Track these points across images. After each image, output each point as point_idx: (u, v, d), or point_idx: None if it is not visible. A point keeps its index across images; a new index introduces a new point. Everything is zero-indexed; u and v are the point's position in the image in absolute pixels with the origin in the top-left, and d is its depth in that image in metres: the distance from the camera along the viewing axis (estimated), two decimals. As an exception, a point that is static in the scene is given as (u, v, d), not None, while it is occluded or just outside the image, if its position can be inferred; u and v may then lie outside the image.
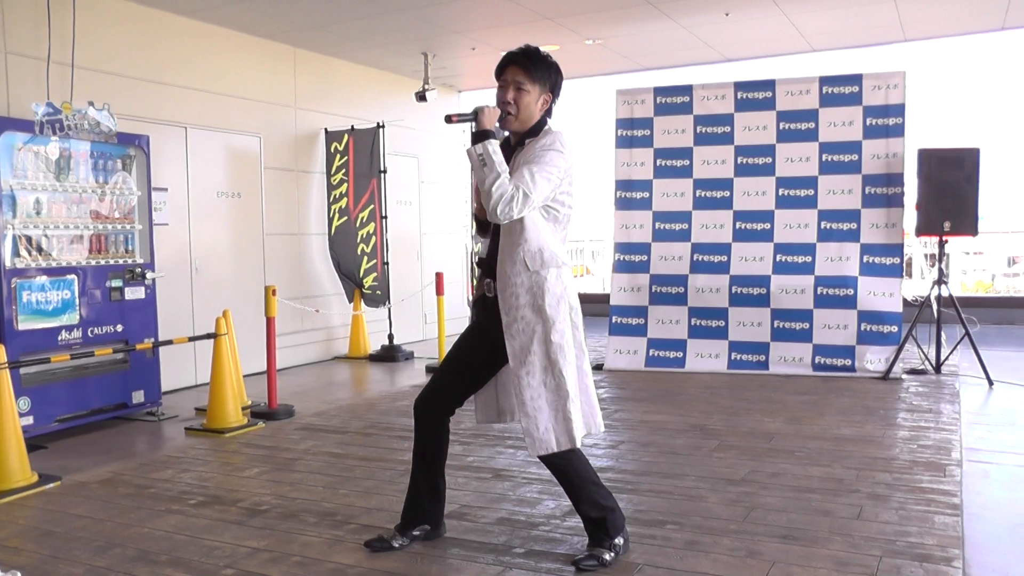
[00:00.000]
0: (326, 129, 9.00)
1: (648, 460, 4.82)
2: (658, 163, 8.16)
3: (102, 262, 5.88)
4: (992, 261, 17.59)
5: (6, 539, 3.76)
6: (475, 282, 3.36)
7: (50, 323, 5.54)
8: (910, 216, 7.44)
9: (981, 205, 7.15)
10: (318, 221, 9.02)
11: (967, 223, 7.13)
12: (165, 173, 7.08)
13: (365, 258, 9.00)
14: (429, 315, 10.27)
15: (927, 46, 9.44)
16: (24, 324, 5.38)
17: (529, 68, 3.18)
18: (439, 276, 8.61)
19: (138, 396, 6.10)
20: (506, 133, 3.30)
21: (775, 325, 7.61)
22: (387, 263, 9.06)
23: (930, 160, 7.20)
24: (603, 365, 7.89)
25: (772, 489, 4.19)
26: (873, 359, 7.29)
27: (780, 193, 7.78)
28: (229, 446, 5.43)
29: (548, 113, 3.29)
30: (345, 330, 9.28)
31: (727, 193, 7.93)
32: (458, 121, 3.17)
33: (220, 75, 7.78)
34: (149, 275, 6.18)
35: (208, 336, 5.95)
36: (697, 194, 8.03)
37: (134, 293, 6.07)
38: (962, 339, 7.10)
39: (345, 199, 8.97)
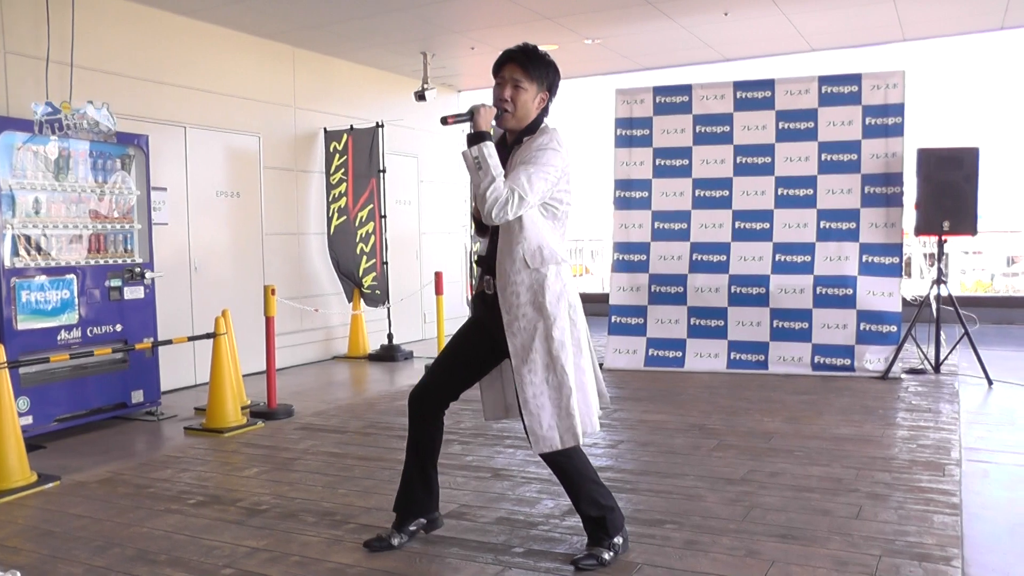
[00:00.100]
0: (325, 129, 9.00)
1: (647, 460, 4.82)
2: (657, 162, 8.17)
3: (101, 262, 5.88)
4: (991, 261, 17.61)
5: (5, 539, 3.76)
6: (475, 280, 3.36)
7: (49, 323, 5.54)
8: (909, 216, 7.44)
9: (980, 205, 7.16)
10: (317, 221, 9.02)
11: (966, 223, 7.14)
12: (164, 173, 7.08)
13: (364, 257, 8.99)
14: (428, 314, 10.27)
15: (926, 46, 9.45)
16: (23, 324, 5.38)
17: (527, 66, 3.18)
18: (438, 276, 8.61)
19: (137, 396, 6.09)
20: (501, 131, 3.30)
21: (774, 325, 7.61)
22: (386, 263, 9.06)
23: (929, 160, 7.20)
24: (603, 364, 7.89)
25: (771, 489, 4.19)
26: (872, 359, 7.29)
27: (779, 193, 7.79)
28: (228, 446, 5.43)
29: (545, 111, 3.29)
30: (344, 330, 9.28)
31: (726, 193, 7.93)
32: (454, 122, 3.16)
33: (219, 75, 7.78)
34: (148, 275, 6.18)
35: (207, 336, 5.95)
36: (696, 194, 8.03)
37: (133, 293, 6.07)
38: (961, 339, 7.11)
39: (344, 199, 8.96)
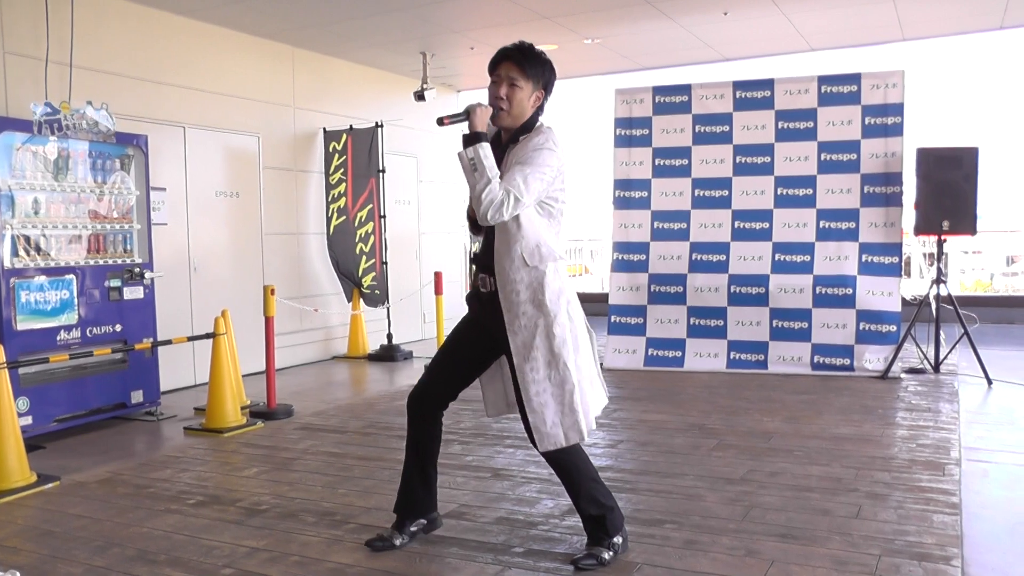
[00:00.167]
0: (324, 129, 9.00)
1: (647, 459, 4.82)
2: (657, 162, 8.16)
3: (100, 262, 5.88)
4: (991, 260, 17.60)
5: (5, 539, 3.76)
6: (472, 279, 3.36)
7: (49, 323, 5.54)
8: (909, 215, 7.44)
9: (980, 204, 7.15)
10: (316, 221, 9.01)
11: (966, 222, 7.14)
12: (163, 173, 7.08)
13: (364, 257, 8.99)
14: (428, 314, 10.27)
15: (926, 45, 9.45)
16: (23, 324, 5.38)
17: (523, 64, 3.18)
18: (438, 275, 8.62)
19: (137, 396, 6.09)
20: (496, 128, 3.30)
21: (774, 324, 7.61)
22: (386, 262, 9.06)
23: (929, 159, 7.20)
24: (602, 364, 7.87)
25: (771, 488, 4.19)
26: (872, 358, 7.29)
27: (779, 192, 7.79)
28: (228, 446, 5.43)
29: (540, 110, 3.29)
30: (344, 330, 9.27)
31: (726, 192, 7.93)
32: (450, 123, 3.16)
33: (219, 75, 7.78)
34: (148, 275, 6.18)
35: (207, 336, 5.95)
36: (696, 193, 8.03)
37: (133, 293, 6.07)
38: (961, 338, 7.11)
39: (344, 199, 8.96)
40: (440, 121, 3.18)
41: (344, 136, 8.92)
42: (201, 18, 7.47)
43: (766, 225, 7.78)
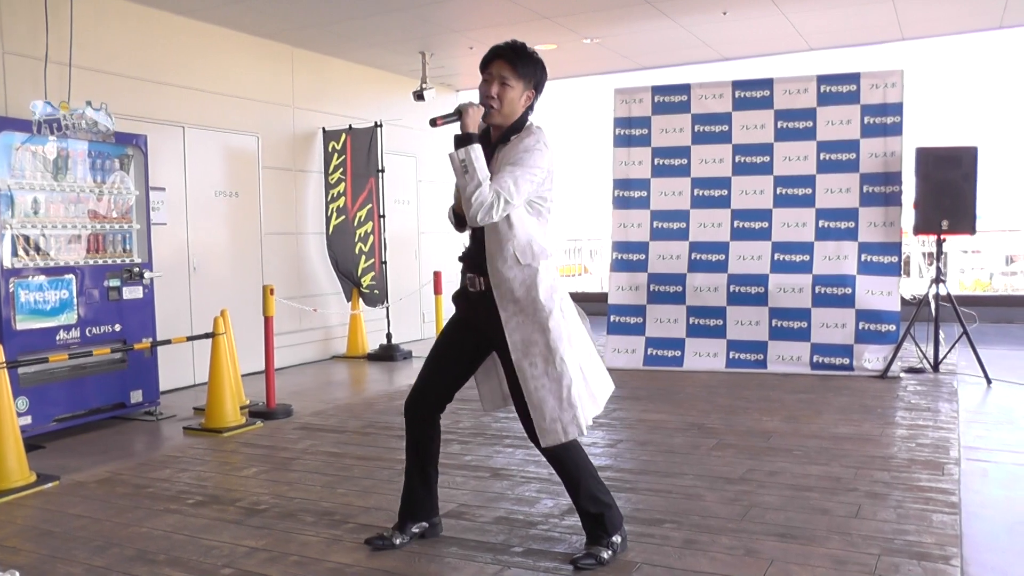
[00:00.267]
0: (324, 128, 9.00)
1: (646, 459, 4.82)
2: (656, 162, 8.17)
3: (100, 262, 5.88)
4: (990, 260, 17.62)
5: (4, 539, 3.76)
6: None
7: (48, 323, 5.54)
8: (908, 215, 7.44)
9: (979, 204, 7.16)
10: (316, 220, 9.01)
11: (965, 222, 7.14)
12: (163, 173, 7.07)
13: (363, 257, 8.99)
14: (427, 314, 10.27)
15: (925, 45, 9.45)
16: (22, 324, 5.38)
17: (515, 63, 3.19)
18: (437, 275, 8.62)
19: (136, 396, 6.09)
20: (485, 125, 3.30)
21: (773, 324, 7.61)
22: (385, 262, 9.06)
23: (928, 159, 7.20)
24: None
25: (770, 488, 4.19)
26: (871, 358, 7.29)
27: (778, 192, 7.79)
28: (227, 446, 5.43)
29: (530, 109, 3.30)
30: (343, 329, 9.27)
31: (725, 192, 7.93)
32: (443, 123, 3.17)
33: (218, 75, 7.78)
34: (147, 275, 6.18)
35: (206, 336, 5.95)
36: (695, 193, 8.03)
37: (132, 293, 6.07)
38: (960, 338, 7.11)
39: (343, 198, 8.96)
40: (433, 122, 3.19)
41: (343, 136, 8.92)
42: (200, 18, 7.47)
43: (765, 225, 7.78)
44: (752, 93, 7.90)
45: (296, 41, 8.46)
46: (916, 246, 14.15)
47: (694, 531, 3.60)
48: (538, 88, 3.27)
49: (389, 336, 9.09)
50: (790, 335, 7.55)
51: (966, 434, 5.26)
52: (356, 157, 8.93)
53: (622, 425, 5.68)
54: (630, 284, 8.10)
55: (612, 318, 8.09)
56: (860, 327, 7.37)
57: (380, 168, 8.95)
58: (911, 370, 7.34)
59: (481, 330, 3.29)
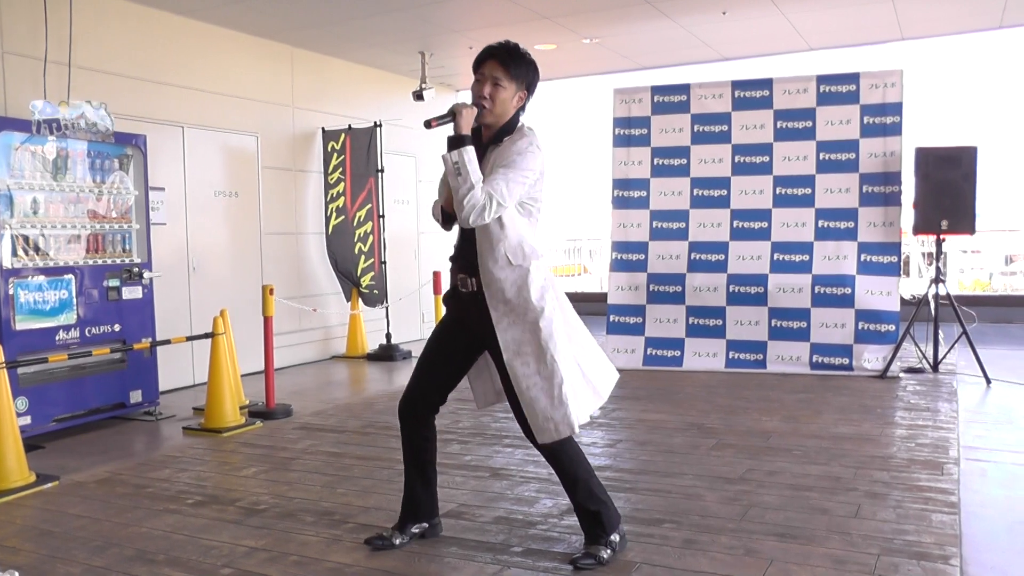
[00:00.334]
0: (323, 128, 9.00)
1: (646, 459, 4.82)
2: (655, 162, 8.17)
3: (99, 262, 5.88)
4: (989, 260, 17.61)
5: (4, 539, 3.76)
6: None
7: (47, 323, 5.53)
8: (907, 215, 7.45)
9: (978, 204, 7.15)
10: (315, 220, 9.01)
11: (964, 221, 7.14)
12: (162, 172, 7.07)
13: (362, 257, 8.99)
14: (427, 314, 10.27)
15: (924, 45, 9.45)
16: (21, 324, 5.37)
17: (508, 64, 3.19)
18: (436, 275, 8.62)
19: (136, 396, 6.09)
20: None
21: (773, 324, 7.61)
22: (384, 262, 9.06)
23: (927, 159, 7.20)
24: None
25: (770, 487, 4.19)
26: (871, 358, 7.30)
27: (777, 192, 7.79)
28: (227, 446, 5.43)
29: (522, 110, 3.31)
30: (343, 329, 9.27)
31: (724, 192, 7.93)
32: (437, 125, 3.18)
33: (217, 75, 7.77)
34: (146, 275, 6.17)
35: (206, 336, 5.95)
36: (694, 193, 8.03)
37: (131, 293, 6.07)
38: (960, 337, 7.11)
39: (342, 198, 8.96)
40: (427, 124, 3.20)
41: (343, 136, 8.92)
42: (200, 18, 7.46)
43: (765, 224, 7.78)
44: (751, 93, 7.90)
45: (296, 41, 8.46)
46: (916, 246, 14.13)
47: (694, 531, 3.61)
48: (530, 89, 3.28)
49: (389, 336, 9.09)
50: (789, 335, 7.55)
51: (965, 434, 5.26)
52: (355, 157, 8.93)
53: (621, 425, 5.68)
54: (629, 284, 8.10)
55: (611, 318, 8.09)
56: (860, 327, 7.37)
57: (380, 168, 8.95)
58: (911, 370, 7.34)
59: (473, 330, 3.30)
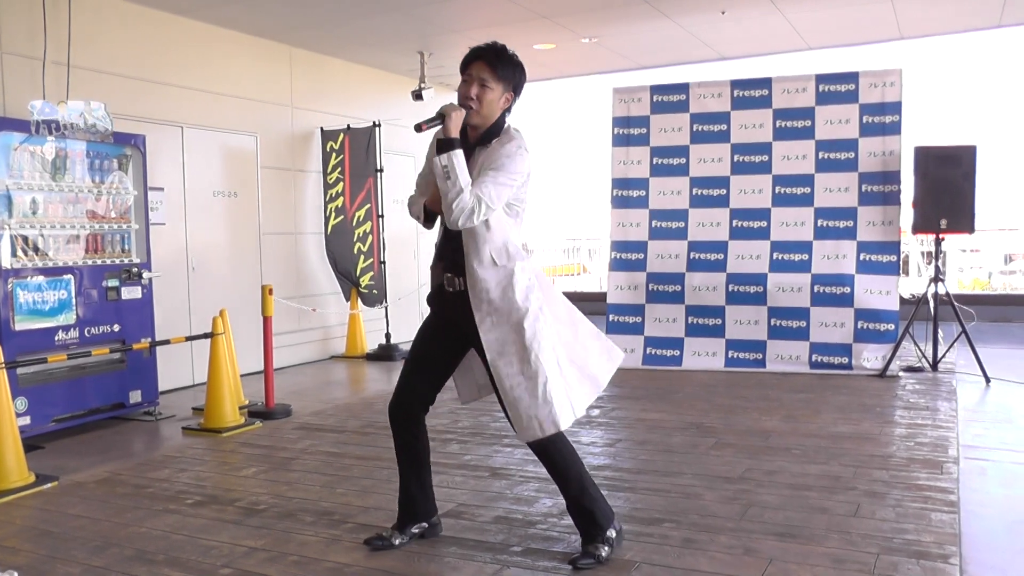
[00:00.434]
0: (322, 128, 9.00)
1: (645, 458, 4.82)
2: (655, 161, 8.17)
3: (99, 262, 5.88)
4: (989, 259, 17.63)
5: (3, 539, 3.76)
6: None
7: (47, 323, 5.53)
8: (907, 214, 7.45)
9: (978, 203, 7.16)
10: (314, 220, 9.01)
11: (964, 221, 7.14)
12: (161, 173, 7.07)
13: (362, 257, 8.99)
14: (426, 314, 10.24)
15: (923, 44, 9.45)
16: (21, 324, 5.37)
17: (495, 66, 3.21)
18: (436, 275, 8.59)
19: (135, 396, 6.09)
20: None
21: (772, 323, 7.61)
22: (384, 262, 9.06)
23: (927, 158, 7.20)
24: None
25: (769, 487, 4.19)
26: (870, 357, 7.30)
27: (776, 191, 7.79)
28: (226, 446, 5.43)
29: (508, 111, 3.32)
30: (342, 329, 9.27)
31: (723, 191, 7.93)
32: (427, 128, 3.20)
33: (216, 74, 7.77)
34: (146, 275, 6.17)
35: (205, 336, 5.95)
36: (693, 192, 8.03)
37: (131, 293, 6.06)
38: (959, 337, 7.11)
39: (341, 198, 8.96)
40: (418, 127, 3.23)
41: (341, 136, 8.92)
42: (199, 18, 7.46)
43: (764, 224, 7.79)
44: (751, 92, 7.90)
45: (295, 41, 8.46)
46: (915, 245, 14.14)
47: (693, 530, 3.61)
48: (517, 90, 3.30)
49: (388, 336, 9.09)
50: (789, 334, 7.56)
51: (965, 433, 5.26)
52: (354, 157, 8.93)
53: (621, 424, 5.68)
54: (629, 283, 8.10)
55: (611, 317, 8.09)
56: (859, 326, 7.38)
57: (379, 168, 8.95)
58: (910, 369, 7.34)
59: (460, 327, 3.31)
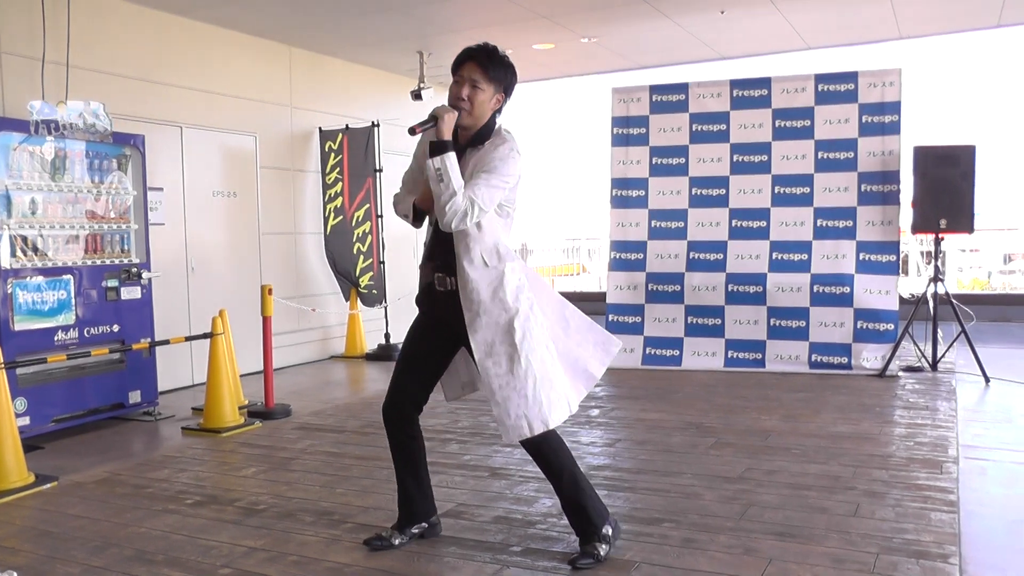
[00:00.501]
0: (320, 128, 8.99)
1: (645, 458, 4.82)
2: (654, 161, 8.17)
3: (98, 262, 5.87)
4: (988, 258, 17.63)
5: (3, 539, 3.76)
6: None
7: (46, 323, 5.53)
8: (906, 213, 7.45)
9: (977, 202, 7.16)
10: (314, 220, 9.01)
11: (963, 220, 7.14)
12: (161, 172, 7.06)
13: (361, 257, 8.99)
14: (425, 314, 10.25)
15: (923, 43, 9.46)
16: (20, 324, 5.37)
17: (487, 67, 3.22)
18: (436, 275, 8.59)
19: (135, 396, 6.09)
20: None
21: (771, 323, 7.61)
22: (383, 262, 9.06)
23: (926, 157, 7.20)
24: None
25: (769, 487, 4.19)
26: (869, 356, 7.30)
27: (776, 191, 7.79)
28: (226, 446, 5.43)
29: (499, 112, 3.33)
30: (341, 329, 9.27)
31: (723, 191, 7.94)
32: (421, 131, 3.21)
33: (215, 74, 7.77)
34: (145, 275, 6.17)
35: (205, 336, 5.94)
36: (693, 192, 8.03)
37: (130, 293, 6.06)
38: (958, 336, 7.12)
39: (340, 198, 8.96)
40: (411, 131, 3.23)
41: (340, 136, 8.91)
42: (198, 18, 7.46)
43: (763, 224, 7.79)
44: (750, 92, 7.90)
45: (294, 40, 8.46)
46: (914, 245, 14.14)
47: (693, 530, 3.61)
48: (508, 92, 3.31)
49: (387, 336, 9.09)
50: (788, 334, 7.56)
51: (964, 432, 5.27)
52: (353, 157, 8.92)
53: (620, 424, 5.69)
54: (628, 283, 8.10)
55: (610, 317, 8.09)
56: (858, 326, 7.38)
57: (377, 168, 8.95)
58: (909, 369, 7.34)
59: (451, 327, 3.31)
